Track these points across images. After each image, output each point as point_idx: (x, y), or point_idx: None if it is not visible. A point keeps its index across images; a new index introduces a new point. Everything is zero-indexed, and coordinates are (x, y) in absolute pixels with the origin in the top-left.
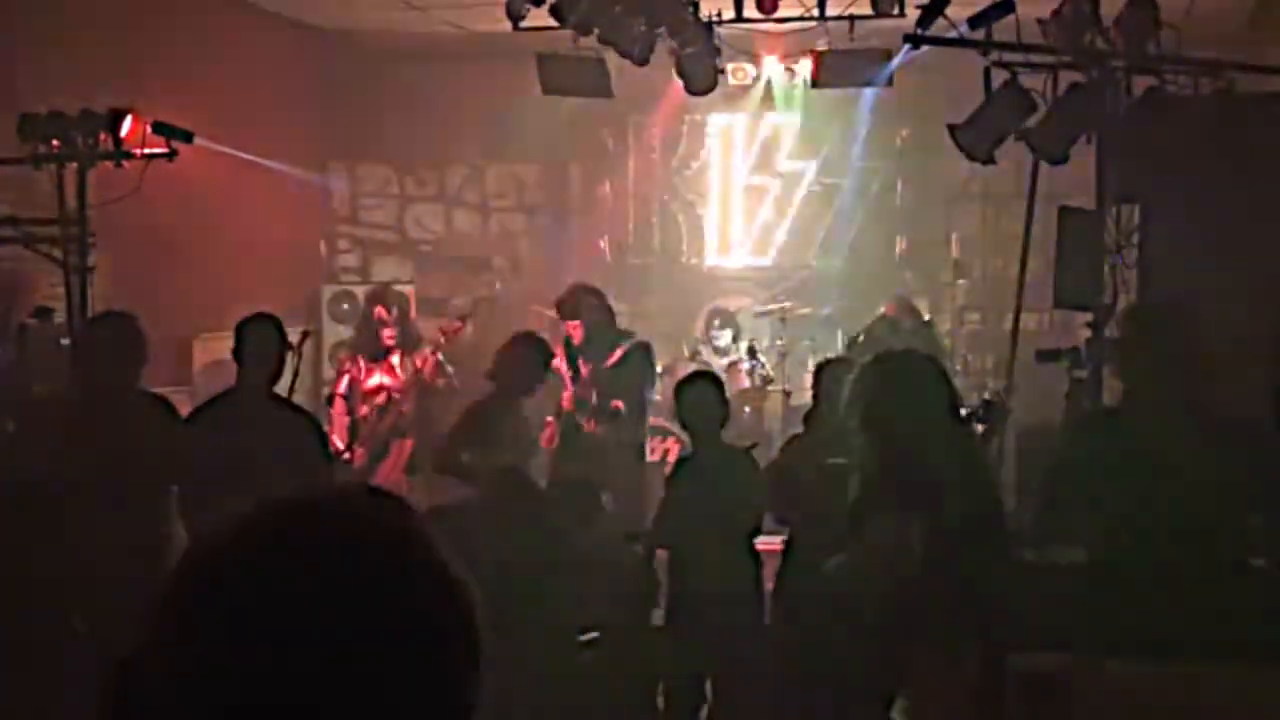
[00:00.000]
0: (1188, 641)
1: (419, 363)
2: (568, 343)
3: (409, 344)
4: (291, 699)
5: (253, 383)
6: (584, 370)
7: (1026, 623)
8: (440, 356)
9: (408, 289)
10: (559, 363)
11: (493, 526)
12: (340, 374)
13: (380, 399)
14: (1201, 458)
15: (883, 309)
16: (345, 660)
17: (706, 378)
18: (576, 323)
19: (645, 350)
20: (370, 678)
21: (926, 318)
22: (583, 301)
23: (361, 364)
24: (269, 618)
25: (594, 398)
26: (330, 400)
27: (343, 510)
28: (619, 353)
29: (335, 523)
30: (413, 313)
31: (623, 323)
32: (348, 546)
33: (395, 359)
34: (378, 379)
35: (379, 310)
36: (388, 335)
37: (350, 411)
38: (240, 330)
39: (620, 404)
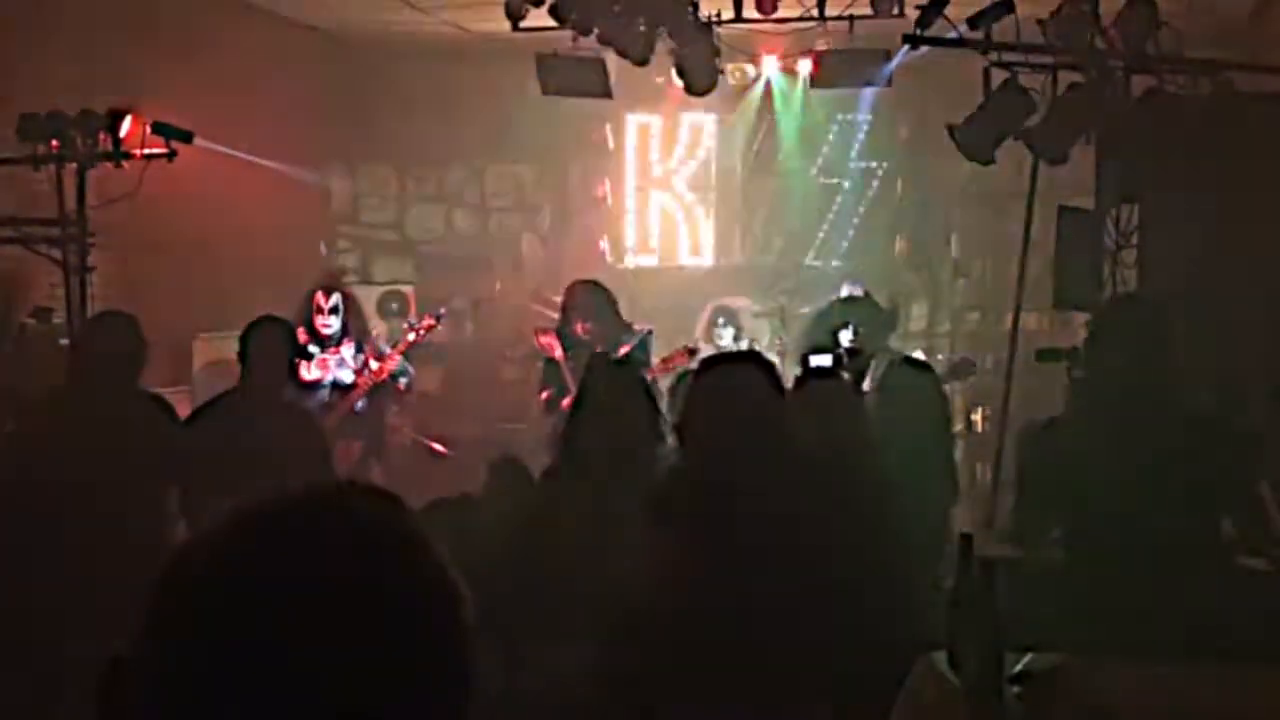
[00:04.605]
0: (1181, 642)
1: (377, 362)
2: (566, 340)
3: (358, 338)
4: (275, 698)
5: (259, 384)
6: None
7: (1026, 622)
8: (399, 358)
9: (408, 289)
10: (561, 357)
11: (493, 518)
12: None
13: (322, 394)
14: (1172, 456)
15: (845, 290)
16: (331, 657)
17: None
18: (589, 324)
19: (646, 343)
20: (357, 675)
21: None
22: (595, 300)
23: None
24: (252, 616)
25: None
26: None
27: (328, 505)
28: (625, 349)
29: (320, 518)
30: (411, 312)
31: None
32: (333, 542)
33: (347, 351)
34: (316, 373)
35: (317, 296)
36: (321, 324)
37: None
38: (248, 332)
39: None
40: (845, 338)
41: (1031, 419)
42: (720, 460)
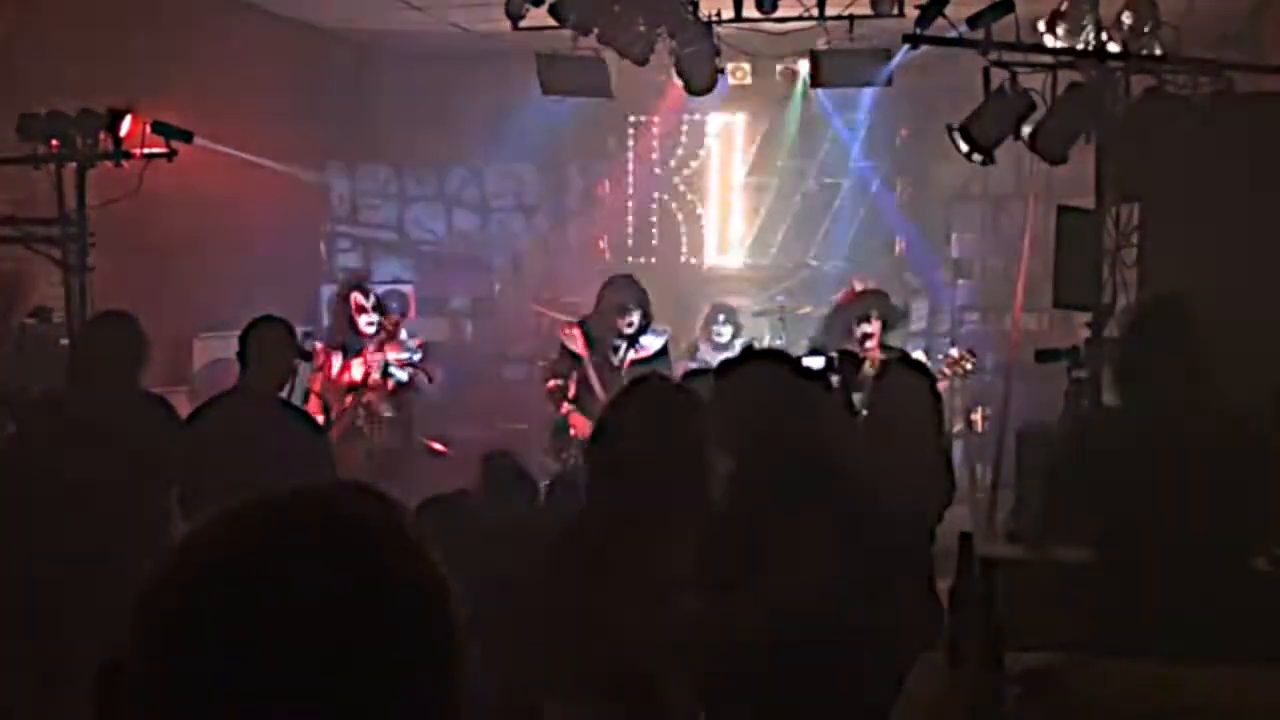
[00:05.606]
0: (1189, 642)
1: (386, 358)
2: (590, 333)
3: (388, 336)
4: (267, 698)
5: (258, 385)
6: (626, 364)
7: (1026, 622)
8: (409, 356)
9: (407, 289)
10: (584, 352)
11: (491, 515)
12: (316, 367)
13: (351, 398)
14: (1201, 456)
15: (857, 285)
16: (322, 658)
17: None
18: (633, 318)
19: (667, 345)
20: (347, 675)
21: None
22: (638, 294)
23: (336, 357)
24: (244, 616)
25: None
26: (306, 396)
27: (320, 505)
28: (653, 348)
29: (312, 518)
30: (412, 313)
31: None
32: (325, 541)
33: (373, 352)
34: (354, 373)
35: (356, 297)
36: (366, 323)
37: (325, 409)
38: (248, 332)
39: None
40: (863, 329)
41: (1032, 419)
42: (745, 462)
